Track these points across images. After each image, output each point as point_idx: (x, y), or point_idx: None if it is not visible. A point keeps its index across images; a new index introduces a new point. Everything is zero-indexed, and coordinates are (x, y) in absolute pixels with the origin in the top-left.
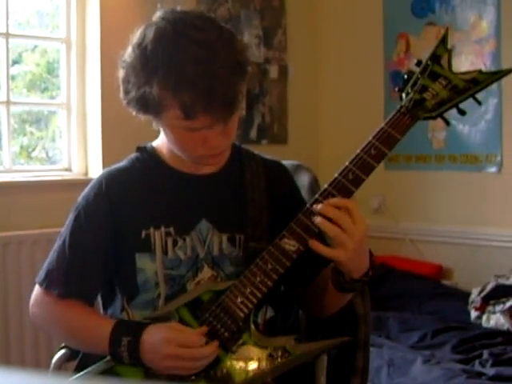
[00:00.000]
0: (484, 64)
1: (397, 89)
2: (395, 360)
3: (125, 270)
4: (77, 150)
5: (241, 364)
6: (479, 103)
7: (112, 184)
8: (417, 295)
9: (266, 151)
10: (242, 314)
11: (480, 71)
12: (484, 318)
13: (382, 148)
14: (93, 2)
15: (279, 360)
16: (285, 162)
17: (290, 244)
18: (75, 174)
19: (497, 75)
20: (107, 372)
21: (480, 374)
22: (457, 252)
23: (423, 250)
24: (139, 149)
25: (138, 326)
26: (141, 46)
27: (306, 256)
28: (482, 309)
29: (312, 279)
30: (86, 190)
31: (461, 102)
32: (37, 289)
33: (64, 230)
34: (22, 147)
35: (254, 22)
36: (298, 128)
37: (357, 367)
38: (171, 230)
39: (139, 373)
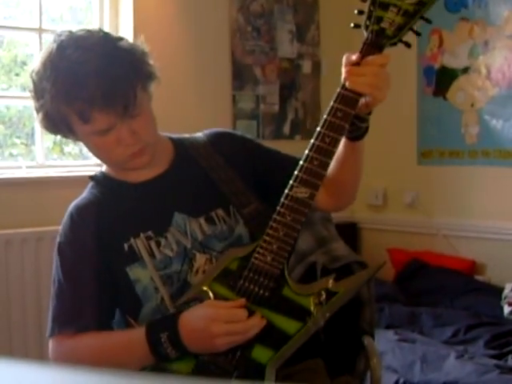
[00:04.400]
0: None
1: (352, 25)
2: (428, 355)
3: (122, 286)
4: None
5: (290, 318)
6: (429, 22)
7: (82, 212)
8: (450, 290)
9: (299, 147)
10: (277, 271)
11: None
12: None
13: None
14: None
15: (326, 301)
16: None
17: (301, 192)
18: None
19: None
20: (156, 369)
21: None
22: (490, 247)
23: (456, 246)
24: (91, 178)
25: (170, 318)
26: (33, 72)
27: None
28: None
29: None
30: (61, 228)
31: (414, 23)
32: (51, 343)
33: (54, 273)
34: (54, 142)
35: (287, 18)
36: None
37: (363, 347)
38: (150, 233)
39: (189, 364)
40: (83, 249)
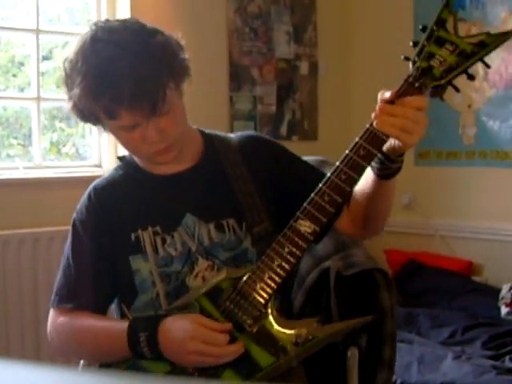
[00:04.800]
0: None
1: (402, 57)
2: (425, 356)
3: (122, 273)
4: (107, 146)
5: (265, 350)
6: (488, 67)
7: (99, 194)
8: (447, 291)
9: (296, 147)
10: (262, 300)
11: (488, 33)
12: None
13: None
14: None
15: (303, 344)
16: (310, 158)
17: (305, 225)
18: (105, 170)
19: (505, 36)
20: (133, 366)
21: (510, 370)
22: (487, 248)
23: (453, 246)
24: (119, 158)
25: (153, 320)
26: (67, 60)
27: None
28: None
29: (340, 209)
30: (78, 205)
31: (469, 66)
32: (51, 313)
33: (66, 248)
34: (51, 143)
35: (284, 19)
36: (328, 124)
37: (384, 360)
38: (158, 228)
39: (165, 366)
40: (93, 230)
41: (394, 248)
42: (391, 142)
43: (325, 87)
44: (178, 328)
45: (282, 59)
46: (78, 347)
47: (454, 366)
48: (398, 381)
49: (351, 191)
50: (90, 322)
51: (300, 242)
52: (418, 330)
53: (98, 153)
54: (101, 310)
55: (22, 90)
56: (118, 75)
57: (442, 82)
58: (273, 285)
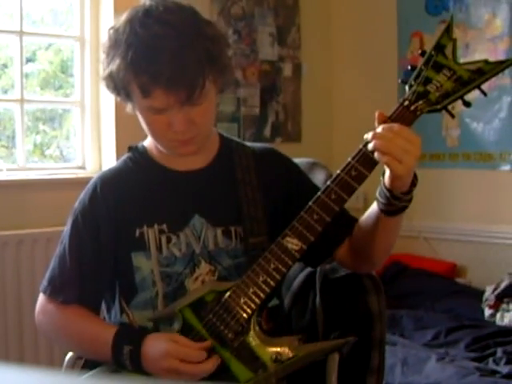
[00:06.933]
0: None
1: (400, 81)
2: (409, 358)
3: (123, 269)
4: (91, 147)
5: (244, 365)
6: (485, 94)
7: (106, 186)
8: (431, 293)
9: (279, 149)
10: (245, 315)
11: (486, 61)
12: (498, 315)
13: None
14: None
15: (283, 361)
16: (300, 160)
17: (292, 243)
18: (89, 172)
19: (503, 65)
20: (117, 370)
21: (494, 372)
22: (471, 250)
23: (437, 248)
24: (131, 148)
25: (138, 335)
26: (114, 28)
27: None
28: (495, 307)
29: (344, 236)
30: (82, 194)
31: (466, 93)
32: (41, 296)
33: (63, 235)
34: (35, 145)
35: (267, 20)
36: (311, 126)
37: (372, 366)
38: (164, 227)
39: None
40: (95, 224)
41: None
42: (387, 174)
43: (308, 89)
44: (156, 347)
45: (265, 61)
46: (64, 342)
47: (438, 368)
48: (382, 383)
49: (340, 211)
50: (77, 322)
51: (286, 259)
52: (401, 332)
53: (82, 155)
54: (93, 306)
55: (5, 91)
56: (162, 54)
57: (438, 107)
58: (257, 300)
